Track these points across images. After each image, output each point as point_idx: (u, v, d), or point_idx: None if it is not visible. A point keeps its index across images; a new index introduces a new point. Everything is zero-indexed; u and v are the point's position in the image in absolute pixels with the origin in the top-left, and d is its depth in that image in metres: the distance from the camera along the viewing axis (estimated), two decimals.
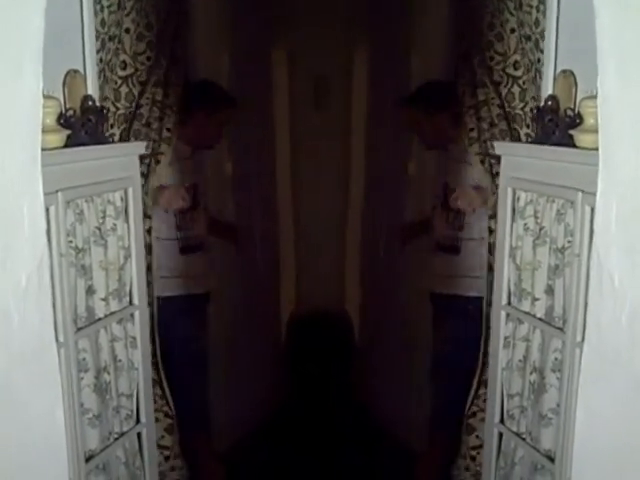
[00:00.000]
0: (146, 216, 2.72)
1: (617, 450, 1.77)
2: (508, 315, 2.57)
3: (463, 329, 3.29)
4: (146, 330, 2.67)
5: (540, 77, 2.70)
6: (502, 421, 2.63)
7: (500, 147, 2.61)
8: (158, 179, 3.15)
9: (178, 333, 3.31)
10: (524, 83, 2.86)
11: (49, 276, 1.75)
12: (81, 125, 2.29)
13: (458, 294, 3.42)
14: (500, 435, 2.65)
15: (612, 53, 1.59)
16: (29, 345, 1.70)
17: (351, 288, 5.01)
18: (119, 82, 2.52)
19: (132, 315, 2.59)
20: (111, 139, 2.48)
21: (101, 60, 2.38)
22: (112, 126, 2.47)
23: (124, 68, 2.54)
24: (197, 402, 3.52)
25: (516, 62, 2.94)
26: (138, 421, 2.67)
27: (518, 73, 2.92)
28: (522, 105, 2.91)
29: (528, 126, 2.82)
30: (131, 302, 2.58)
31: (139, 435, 2.68)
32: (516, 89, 2.91)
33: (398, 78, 3.94)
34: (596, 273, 1.70)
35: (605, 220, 1.66)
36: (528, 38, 2.78)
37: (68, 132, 2.21)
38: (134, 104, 2.61)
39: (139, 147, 2.53)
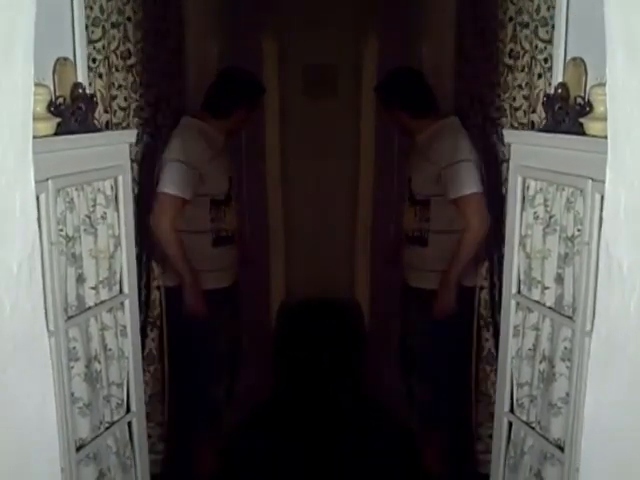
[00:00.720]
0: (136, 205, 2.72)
1: (625, 438, 1.77)
2: (518, 304, 2.56)
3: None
4: (136, 319, 2.66)
5: (540, 65, 2.73)
6: (512, 410, 2.62)
7: (509, 135, 2.60)
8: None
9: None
10: (522, 71, 2.88)
11: (40, 265, 1.75)
12: (71, 113, 2.27)
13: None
14: (510, 424, 2.64)
15: (620, 41, 1.58)
16: (21, 334, 1.69)
17: (359, 277, 5.01)
18: (126, 70, 2.53)
19: (122, 304, 2.58)
20: (115, 127, 2.49)
21: (103, 47, 2.37)
22: (115, 113, 2.46)
23: (129, 57, 2.54)
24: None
25: (511, 50, 2.95)
26: (128, 410, 2.67)
27: (514, 62, 2.94)
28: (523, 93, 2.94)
29: (534, 112, 2.83)
30: (121, 291, 2.57)
31: (129, 424, 2.68)
32: (516, 76, 2.94)
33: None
34: (605, 261, 1.71)
35: (613, 209, 1.66)
36: (526, 26, 2.80)
37: (58, 120, 2.20)
38: (138, 93, 2.61)
39: (130, 135, 2.52)
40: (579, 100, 2.27)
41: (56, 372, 2.18)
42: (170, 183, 3.22)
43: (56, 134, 2.19)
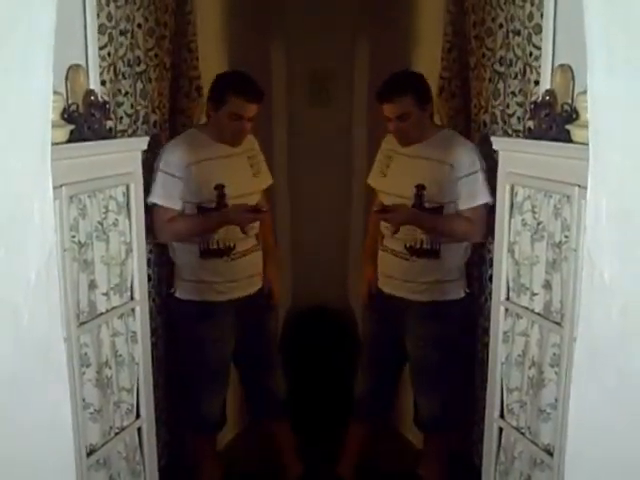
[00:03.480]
0: (147, 211, 2.73)
1: (609, 444, 1.78)
2: (507, 310, 2.58)
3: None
4: (146, 325, 2.67)
5: (531, 72, 2.73)
6: (502, 415, 2.64)
7: (497, 142, 2.61)
8: None
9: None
10: (515, 78, 2.88)
11: (57, 272, 1.76)
12: (84, 120, 2.28)
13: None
14: (500, 429, 2.65)
15: (600, 49, 1.59)
16: (38, 341, 1.70)
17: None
18: (134, 77, 2.53)
19: (133, 310, 2.59)
20: (121, 135, 2.49)
21: (109, 54, 2.38)
22: (121, 120, 2.46)
23: (138, 64, 2.54)
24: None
25: (501, 58, 2.97)
26: (138, 416, 2.67)
27: (506, 69, 2.94)
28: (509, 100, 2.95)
29: (519, 120, 2.86)
30: (132, 297, 2.58)
31: (139, 430, 2.69)
32: (509, 83, 2.94)
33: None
34: (587, 269, 1.71)
35: (596, 216, 1.66)
36: (518, 33, 2.80)
37: (72, 127, 2.21)
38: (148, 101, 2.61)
39: (142, 142, 2.52)
40: (566, 107, 2.29)
41: (69, 378, 2.19)
42: (154, 193, 3.17)
43: (69, 141, 2.20)
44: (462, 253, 3.35)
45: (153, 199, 3.16)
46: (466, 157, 3.21)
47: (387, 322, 3.54)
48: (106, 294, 2.45)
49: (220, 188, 3.28)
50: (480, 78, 3.21)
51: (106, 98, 2.52)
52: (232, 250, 3.35)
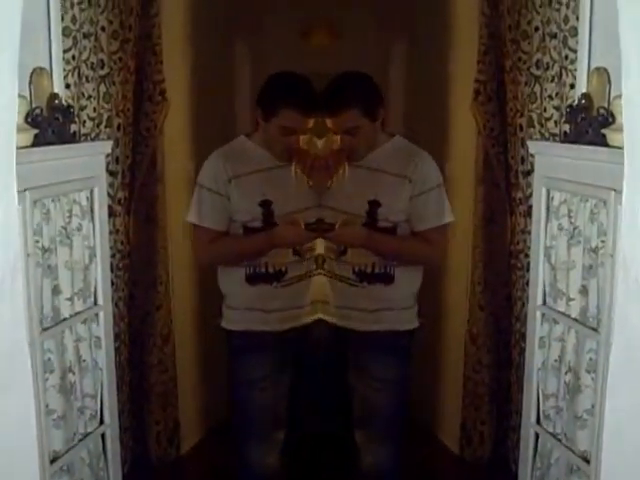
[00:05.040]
0: (111, 215, 2.72)
1: None
2: (543, 315, 2.56)
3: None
4: (110, 330, 2.66)
5: (567, 75, 2.69)
6: (538, 421, 2.61)
7: (534, 146, 2.59)
8: None
9: None
10: (552, 81, 2.83)
11: (22, 278, 1.74)
12: (48, 124, 2.27)
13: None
14: (536, 435, 2.62)
15: (635, 52, 1.58)
16: (2, 347, 1.68)
17: None
18: (98, 81, 2.50)
19: (97, 315, 2.57)
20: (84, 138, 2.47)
21: (74, 57, 2.36)
22: (84, 124, 2.45)
23: (102, 67, 2.52)
24: None
25: (538, 61, 2.92)
26: (102, 422, 2.65)
27: (543, 72, 2.90)
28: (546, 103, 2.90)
29: (555, 123, 2.80)
30: (96, 302, 2.56)
31: (103, 436, 2.67)
32: (546, 87, 2.89)
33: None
34: (623, 274, 1.70)
35: (631, 221, 1.65)
36: (554, 36, 2.76)
37: (35, 131, 2.19)
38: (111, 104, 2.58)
39: (105, 146, 2.52)
40: (602, 111, 2.25)
41: (32, 384, 2.17)
42: (192, 211, 2.88)
43: (33, 145, 2.18)
44: (418, 277, 3.00)
45: (191, 218, 2.88)
46: (426, 170, 2.88)
47: (327, 355, 3.19)
48: (70, 299, 2.44)
49: (266, 205, 2.86)
50: (516, 81, 3.14)
51: (70, 102, 2.50)
52: (283, 275, 2.90)
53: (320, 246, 2.91)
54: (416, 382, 4.03)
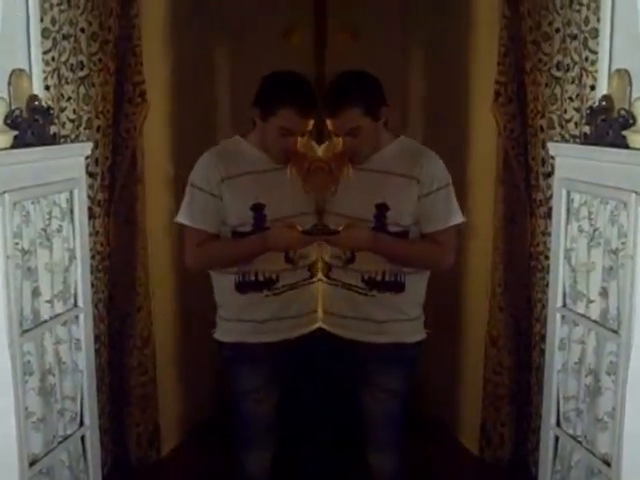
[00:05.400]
0: (90, 217, 2.71)
1: None
2: (563, 317, 2.56)
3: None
4: (90, 332, 2.65)
5: (587, 76, 2.68)
6: (558, 424, 2.60)
7: (554, 148, 2.57)
8: None
9: None
10: (572, 83, 2.82)
11: (1, 280, 1.74)
12: (28, 126, 2.26)
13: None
14: (556, 438, 2.61)
15: None
16: None
17: None
18: (77, 82, 2.49)
19: (77, 317, 2.57)
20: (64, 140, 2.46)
21: (53, 59, 2.35)
22: (64, 125, 2.44)
23: (81, 69, 2.50)
24: None
25: (558, 62, 2.91)
26: (82, 424, 2.65)
27: (563, 74, 2.89)
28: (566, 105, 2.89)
29: (576, 125, 2.80)
30: (76, 304, 2.56)
31: (83, 438, 2.66)
32: (566, 88, 2.88)
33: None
34: None
35: None
36: (574, 37, 2.74)
37: (15, 133, 2.18)
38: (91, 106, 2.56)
39: (85, 148, 2.51)
40: (622, 112, 2.26)
41: (12, 386, 2.17)
42: (182, 211, 2.74)
43: (12, 147, 2.17)
44: (424, 286, 2.85)
45: (180, 219, 2.74)
46: (434, 170, 2.74)
47: (326, 366, 2.98)
48: (50, 301, 2.43)
49: (259, 208, 2.72)
50: (536, 83, 3.14)
51: (50, 103, 2.49)
52: (274, 283, 2.76)
53: (325, 253, 2.80)
54: (436, 384, 4.10)
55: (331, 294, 2.84)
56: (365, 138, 2.71)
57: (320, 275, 2.84)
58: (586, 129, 2.52)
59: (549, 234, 2.78)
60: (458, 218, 2.75)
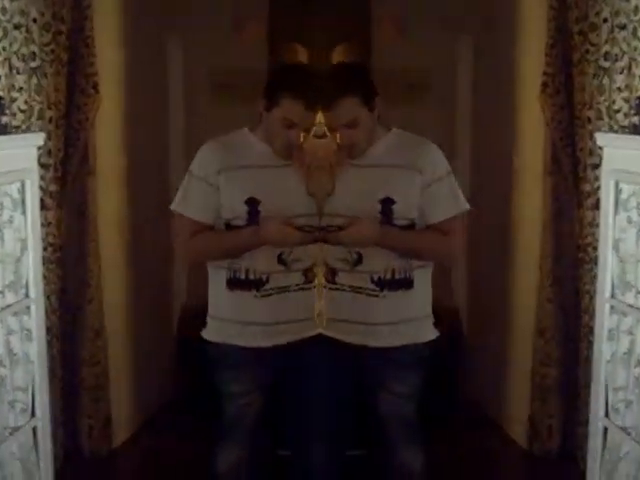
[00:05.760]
0: (42, 208, 2.70)
1: None
2: (612, 308, 2.54)
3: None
4: (42, 323, 2.64)
5: (636, 66, 2.71)
6: (607, 415, 2.57)
7: (602, 138, 2.57)
8: None
9: None
10: (621, 73, 2.85)
11: None
12: None
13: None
14: (605, 429, 2.58)
15: None
16: None
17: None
18: (29, 73, 2.48)
19: (28, 308, 2.55)
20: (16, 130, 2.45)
21: (4, 49, 2.34)
22: (15, 116, 2.43)
23: (33, 59, 2.49)
24: None
25: (606, 53, 2.92)
26: (33, 415, 2.64)
27: (611, 64, 2.91)
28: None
29: (625, 116, 2.83)
30: (27, 295, 2.55)
31: (34, 430, 2.65)
32: (615, 79, 2.90)
33: None
34: None
35: None
36: (623, 27, 2.77)
37: None
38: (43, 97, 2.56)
39: (38, 138, 2.50)
40: None
41: None
42: (177, 198, 2.68)
43: None
44: (430, 281, 2.78)
45: (175, 206, 2.68)
46: (434, 158, 2.68)
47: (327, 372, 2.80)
48: (1, 292, 2.41)
49: (253, 203, 2.63)
50: (584, 74, 3.18)
51: (1, 94, 2.48)
52: (263, 284, 2.65)
53: (329, 257, 2.64)
54: (484, 376, 4.16)
55: (336, 300, 2.68)
56: (363, 130, 2.63)
57: (322, 281, 2.68)
58: (635, 120, 2.57)
59: (597, 225, 2.77)
60: (463, 206, 2.69)
